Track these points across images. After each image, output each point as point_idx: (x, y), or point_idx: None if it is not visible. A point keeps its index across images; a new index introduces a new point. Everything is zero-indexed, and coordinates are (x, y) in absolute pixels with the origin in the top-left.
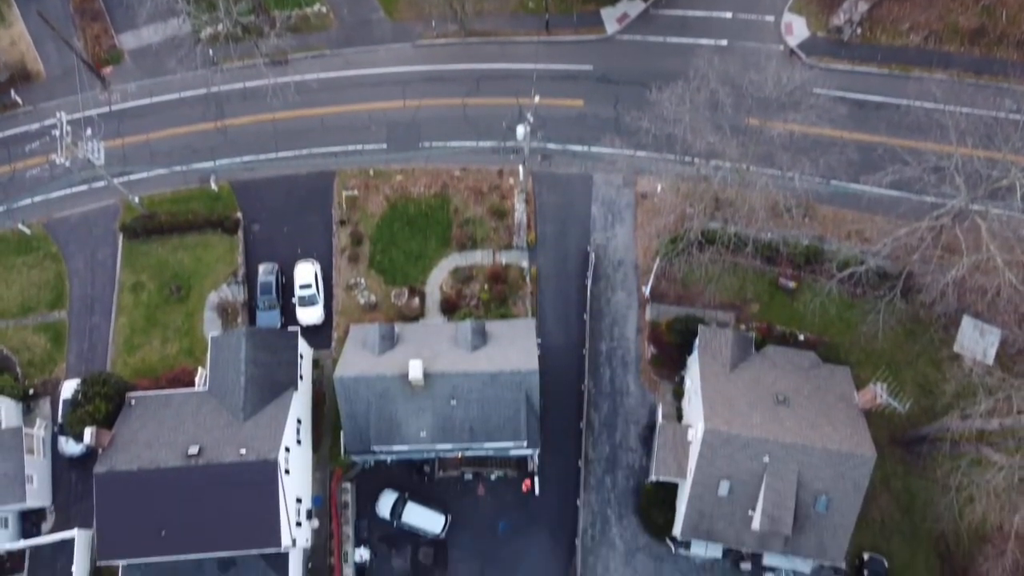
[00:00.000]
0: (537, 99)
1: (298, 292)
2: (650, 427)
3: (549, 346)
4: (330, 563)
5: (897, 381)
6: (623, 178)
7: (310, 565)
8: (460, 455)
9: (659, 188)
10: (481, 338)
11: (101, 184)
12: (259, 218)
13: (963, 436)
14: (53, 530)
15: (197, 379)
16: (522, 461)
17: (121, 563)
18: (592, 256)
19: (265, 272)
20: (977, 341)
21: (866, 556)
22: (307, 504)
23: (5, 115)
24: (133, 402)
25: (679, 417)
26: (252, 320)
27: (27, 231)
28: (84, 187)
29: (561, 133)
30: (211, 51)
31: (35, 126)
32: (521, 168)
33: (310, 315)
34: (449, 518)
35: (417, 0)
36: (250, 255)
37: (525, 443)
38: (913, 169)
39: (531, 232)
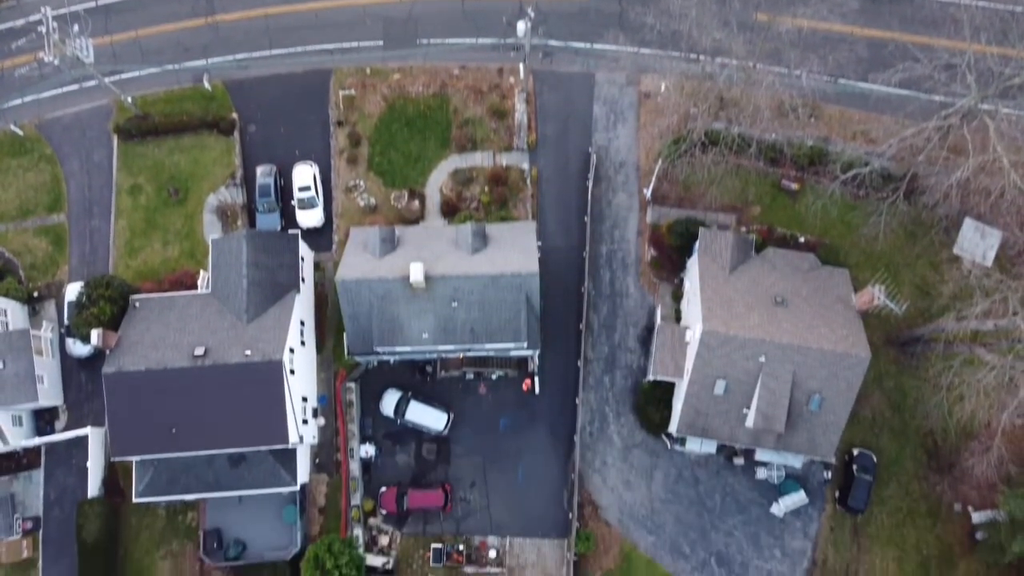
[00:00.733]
0: None
1: (297, 195)
2: (649, 328)
3: (549, 248)
4: (337, 459)
5: (895, 283)
6: (626, 77)
7: (317, 460)
8: (461, 356)
9: (663, 87)
10: (482, 240)
11: (92, 83)
12: (255, 118)
13: (957, 337)
14: (66, 428)
15: (199, 281)
16: (522, 361)
17: (134, 459)
18: (593, 157)
19: (263, 174)
20: (977, 243)
21: (855, 451)
22: (313, 403)
23: None
24: (137, 304)
25: (677, 319)
26: (252, 223)
27: (19, 132)
28: (75, 86)
29: (563, 29)
30: None
31: (20, 22)
32: (522, 66)
33: (310, 218)
34: (451, 416)
35: None
36: (247, 157)
37: (525, 344)
38: (924, 67)
39: (532, 133)
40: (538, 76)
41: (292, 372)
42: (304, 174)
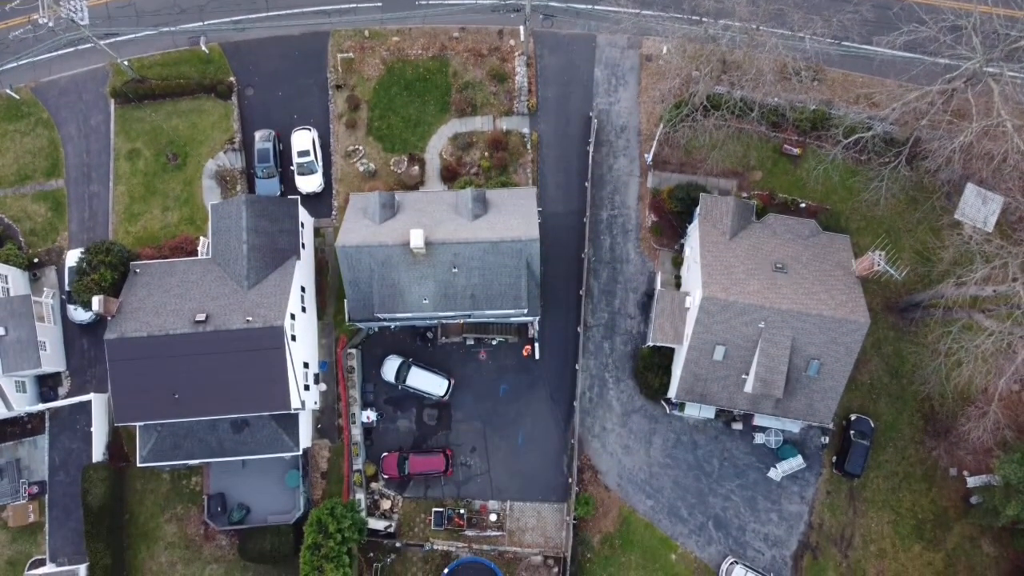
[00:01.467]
0: None
1: (296, 160)
2: (648, 294)
3: (550, 214)
4: (338, 424)
5: (896, 248)
6: (628, 39)
7: (319, 426)
8: (462, 322)
9: (665, 50)
10: (482, 206)
11: (87, 46)
12: (253, 82)
13: (957, 303)
14: (70, 394)
15: (200, 247)
16: (523, 327)
17: (138, 424)
18: (594, 122)
19: (262, 139)
20: (979, 208)
21: (853, 417)
22: (314, 369)
23: None
24: (138, 270)
25: (678, 285)
26: (251, 188)
27: (15, 96)
28: (70, 49)
29: None
30: None
31: None
32: (522, 28)
33: (309, 183)
34: (452, 381)
35: None
36: (246, 121)
37: (526, 310)
38: (929, 28)
39: (532, 97)
40: (539, 38)
41: (293, 338)
42: (303, 139)
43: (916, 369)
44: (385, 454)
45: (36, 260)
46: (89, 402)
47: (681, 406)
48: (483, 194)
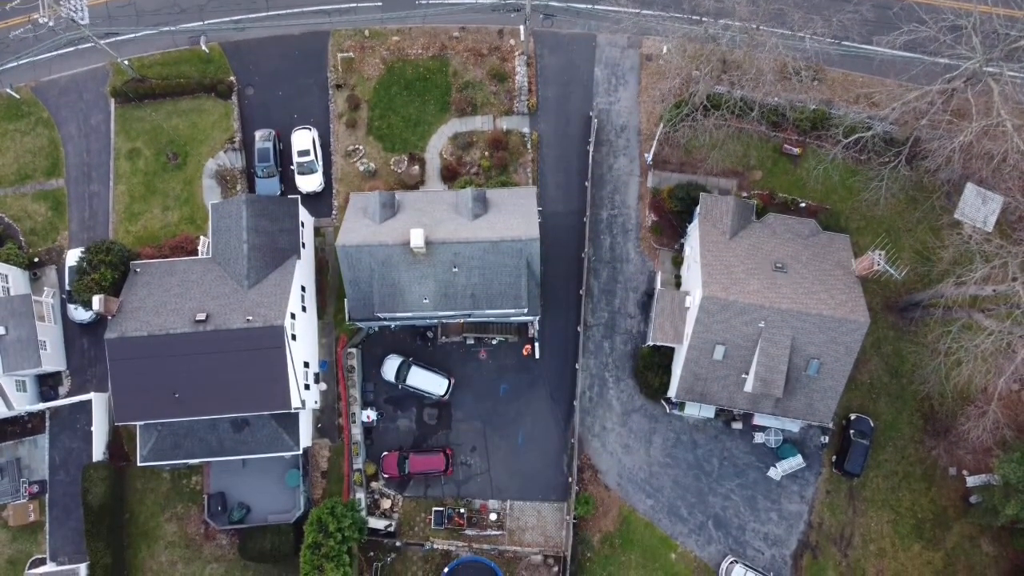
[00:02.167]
0: None
1: (296, 160)
2: (648, 294)
3: (550, 213)
4: (339, 423)
5: (895, 248)
6: (628, 39)
7: (319, 425)
8: (462, 321)
9: (665, 49)
10: (482, 206)
11: (88, 45)
12: (253, 82)
13: (956, 302)
14: (70, 393)
15: (200, 247)
16: (523, 327)
17: (138, 424)
18: (594, 121)
19: (262, 139)
20: (979, 208)
21: (853, 416)
22: (314, 368)
23: None
24: (138, 270)
25: (678, 284)
26: (251, 187)
27: (15, 95)
28: (71, 49)
29: None
30: None
31: None
32: (522, 28)
33: (309, 183)
34: (452, 381)
35: None
36: (246, 120)
37: (526, 309)
38: (929, 28)
39: (532, 96)
40: (539, 38)
41: (293, 337)
42: (303, 139)
43: (916, 368)
44: (385, 453)
45: (36, 259)
46: (89, 401)
47: (681, 405)
48: (483, 194)
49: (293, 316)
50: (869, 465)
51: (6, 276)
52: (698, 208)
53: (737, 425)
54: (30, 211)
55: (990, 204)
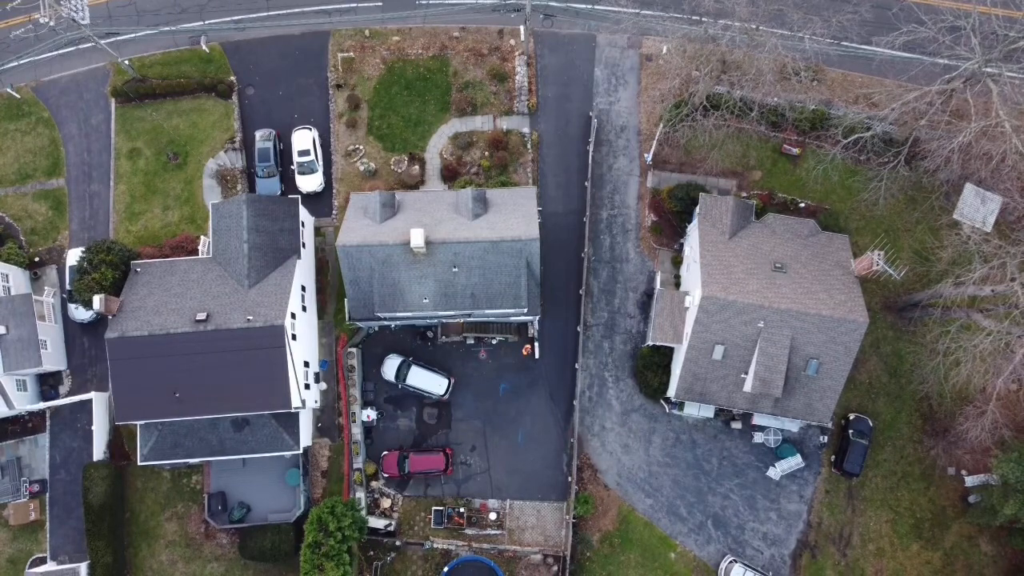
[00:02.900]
0: None
1: (297, 159)
2: (648, 294)
3: (550, 213)
4: (339, 423)
5: (894, 248)
6: (628, 39)
7: (320, 425)
8: (462, 321)
9: (664, 50)
10: (482, 206)
11: (88, 45)
12: (253, 81)
13: (955, 302)
14: (70, 392)
15: (200, 246)
16: (523, 326)
17: (139, 423)
18: (594, 122)
19: (262, 139)
20: (977, 208)
21: (852, 416)
22: (314, 368)
23: None
24: (139, 269)
25: (677, 284)
26: (252, 187)
27: (16, 95)
28: (71, 48)
29: None
30: None
31: None
32: (522, 28)
33: (310, 183)
34: (452, 381)
35: None
36: (246, 120)
37: (525, 309)
38: (928, 29)
39: (532, 96)
40: (539, 38)
41: (294, 337)
42: (303, 139)
43: (914, 368)
44: (385, 453)
45: (37, 259)
46: (90, 401)
47: (680, 405)
48: (483, 194)
49: (293, 316)
50: (868, 465)
51: (7, 276)
52: (698, 208)
53: (736, 425)
54: (31, 211)
55: (989, 204)
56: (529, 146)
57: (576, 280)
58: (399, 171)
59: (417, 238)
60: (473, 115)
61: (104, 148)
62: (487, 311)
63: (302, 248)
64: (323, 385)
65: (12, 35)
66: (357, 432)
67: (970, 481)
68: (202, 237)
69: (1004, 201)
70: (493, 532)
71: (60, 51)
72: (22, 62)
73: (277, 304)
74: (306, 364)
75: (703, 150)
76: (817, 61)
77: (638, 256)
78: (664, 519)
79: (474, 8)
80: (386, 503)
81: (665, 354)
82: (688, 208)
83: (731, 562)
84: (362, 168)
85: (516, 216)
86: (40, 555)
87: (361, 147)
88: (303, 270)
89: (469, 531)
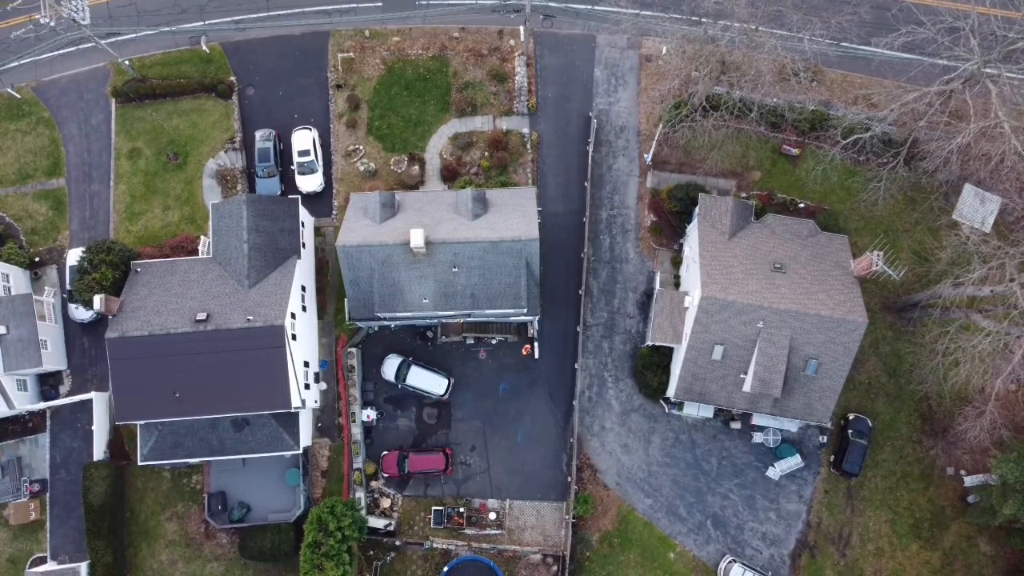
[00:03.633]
0: None
1: (297, 159)
2: (648, 294)
3: (549, 213)
4: (339, 423)
5: (894, 248)
6: (627, 39)
7: (320, 424)
8: (462, 321)
9: (664, 50)
10: (482, 206)
11: (88, 45)
12: (253, 81)
13: (954, 303)
14: (71, 392)
15: (200, 247)
16: (522, 326)
17: (139, 423)
18: (594, 122)
19: (262, 139)
20: (977, 209)
21: (851, 416)
22: (314, 368)
23: None
24: (139, 269)
25: (677, 284)
26: (252, 187)
27: (16, 95)
28: (71, 48)
29: None
30: None
31: None
32: (522, 28)
33: (310, 183)
34: (452, 381)
35: None
36: (246, 120)
37: (525, 309)
38: (927, 30)
39: (532, 97)
40: (539, 38)
41: (294, 337)
42: (303, 139)
43: (914, 369)
44: (385, 453)
45: (37, 259)
46: (90, 400)
47: (680, 405)
48: (483, 194)
49: (293, 316)
50: (867, 465)
51: (7, 275)
52: (697, 208)
53: (736, 425)
54: (31, 211)
55: (988, 205)
56: (529, 146)
57: (576, 280)
58: (399, 171)
59: (417, 238)
60: (473, 115)
61: (104, 148)
62: (487, 311)
63: (302, 248)
64: (323, 385)
65: (12, 35)
66: (357, 432)
67: (969, 481)
68: (202, 237)
69: (1003, 202)
70: (493, 532)
71: (60, 51)
72: (22, 62)
73: (277, 304)
74: (306, 364)
75: (703, 150)
76: (816, 62)
77: (638, 256)
78: (663, 519)
79: (474, 8)
80: (386, 503)
81: (664, 354)
82: (688, 208)
83: (730, 562)
84: (362, 168)
85: (516, 216)
86: (40, 555)
87: (361, 147)
88: (303, 270)
89: (469, 531)
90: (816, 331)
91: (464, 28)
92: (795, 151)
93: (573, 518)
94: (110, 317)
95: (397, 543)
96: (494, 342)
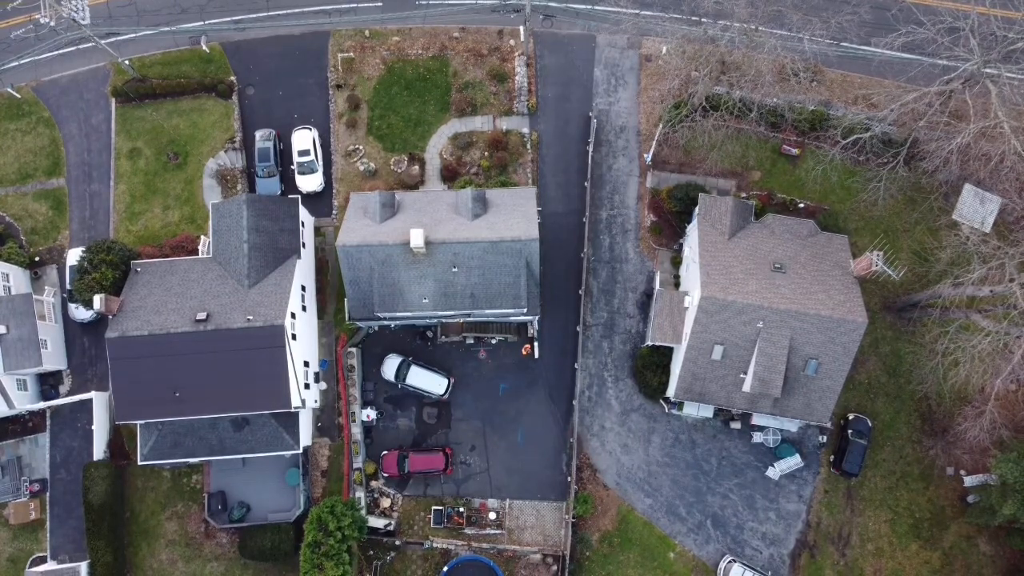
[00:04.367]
0: None
1: (297, 159)
2: (647, 294)
3: (549, 213)
4: (339, 422)
5: (893, 248)
6: (627, 39)
7: (319, 424)
8: (462, 321)
9: (664, 50)
10: (482, 206)
11: (88, 45)
12: (253, 81)
13: (954, 303)
14: (71, 392)
15: (200, 246)
16: (522, 326)
17: (139, 423)
18: (594, 122)
19: (262, 138)
20: (976, 209)
21: (851, 416)
22: (314, 367)
23: None
24: (139, 269)
25: (676, 284)
26: (252, 187)
27: (16, 95)
28: (72, 48)
29: None
30: None
31: None
32: (522, 28)
33: (310, 183)
34: (452, 380)
35: None
36: (246, 120)
37: (525, 309)
38: (927, 30)
39: (532, 97)
40: (538, 38)
41: (294, 337)
42: (303, 139)
43: (913, 369)
44: (385, 452)
45: (37, 259)
46: (90, 400)
47: (680, 405)
48: (483, 194)
49: (293, 315)
50: (867, 465)
51: (7, 275)
52: (697, 208)
53: (735, 425)
54: (31, 210)
55: (988, 205)
56: (529, 146)
57: (576, 280)
58: (399, 171)
59: (417, 238)
60: (473, 115)
61: (104, 148)
62: (487, 311)
63: (302, 248)
64: (323, 385)
65: (12, 35)
66: (357, 432)
67: (969, 481)
68: (202, 237)
69: (1003, 202)
70: (492, 532)
71: (60, 51)
72: (22, 62)
73: (277, 304)
74: (306, 364)
75: (703, 150)
76: (816, 62)
77: (637, 256)
78: (663, 519)
79: (474, 8)
80: (386, 503)
81: (664, 354)
82: (687, 208)
83: (730, 562)
84: (362, 168)
85: (516, 216)
86: (40, 554)
87: (361, 147)
88: (303, 270)
89: (469, 531)
90: (816, 331)
91: (464, 28)
92: (795, 151)
93: (573, 518)
94: (110, 317)
95: (397, 543)
96: (494, 342)
